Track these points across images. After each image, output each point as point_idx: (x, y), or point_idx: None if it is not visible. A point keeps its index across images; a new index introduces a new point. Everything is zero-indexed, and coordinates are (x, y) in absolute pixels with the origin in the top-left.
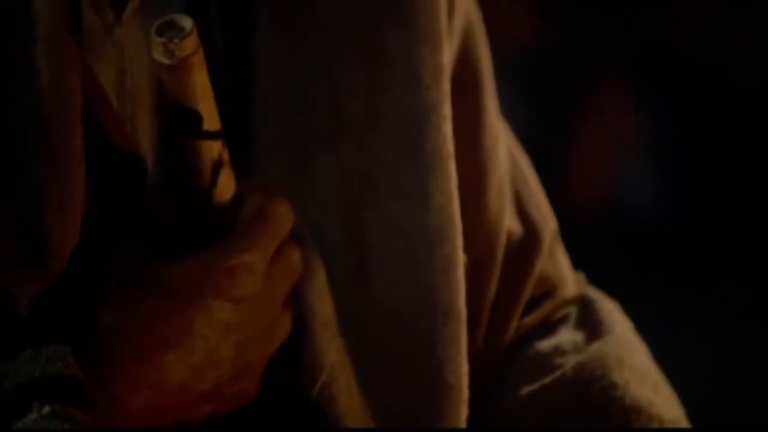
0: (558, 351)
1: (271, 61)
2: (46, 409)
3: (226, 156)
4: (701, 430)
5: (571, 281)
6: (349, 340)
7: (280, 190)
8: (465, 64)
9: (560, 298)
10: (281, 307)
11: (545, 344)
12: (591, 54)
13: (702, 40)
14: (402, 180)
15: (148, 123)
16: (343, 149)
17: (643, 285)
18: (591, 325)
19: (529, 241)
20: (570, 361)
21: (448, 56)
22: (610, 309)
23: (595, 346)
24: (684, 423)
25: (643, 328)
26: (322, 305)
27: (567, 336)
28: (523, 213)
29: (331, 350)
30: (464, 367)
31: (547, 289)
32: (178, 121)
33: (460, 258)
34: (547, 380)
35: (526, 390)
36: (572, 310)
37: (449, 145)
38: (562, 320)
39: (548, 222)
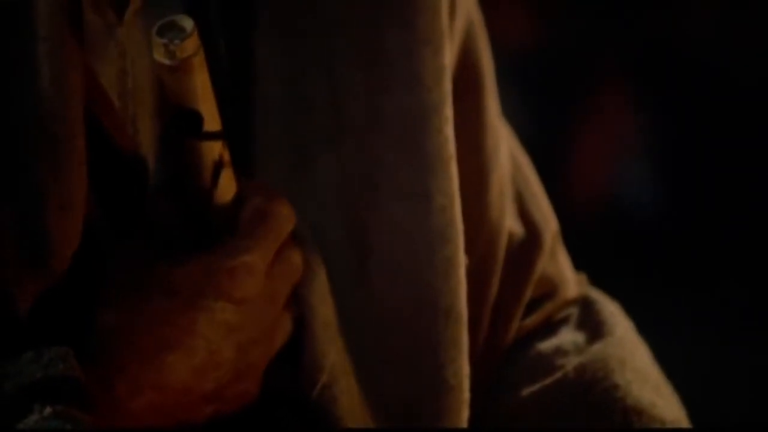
0: (559, 352)
1: (271, 61)
2: (48, 410)
3: (226, 157)
4: (701, 430)
5: (572, 282)
6: (350, 341)
7: (280, 190)
8: (466, 64)
9: (561, 299)
10: (282, 308)
11: (546, 345)
12: (591, 54)
13: (702, 40)
14: (402, 180)
15: (150, 124)
16: (343, 149)
17: (643, 285)
18: (592, 326)
19: (530, 242)
20: (571, 362)
21: (449, 57)
22: (611, 310)
23: (597, 347)
24: (685, 425)
25: (643, 328)
26: (323, 306)
27: (568, 337)
28: (524, 214)
29: (332, 351)
30: (465, 368)
31: (549, 289)
32: (179, 122)
33: (462, 260)
34: (548, 381)
35: (527, 391)
36: (574, 311)
37: (451, 148)
38: (564, 321)
39: (549, 223)
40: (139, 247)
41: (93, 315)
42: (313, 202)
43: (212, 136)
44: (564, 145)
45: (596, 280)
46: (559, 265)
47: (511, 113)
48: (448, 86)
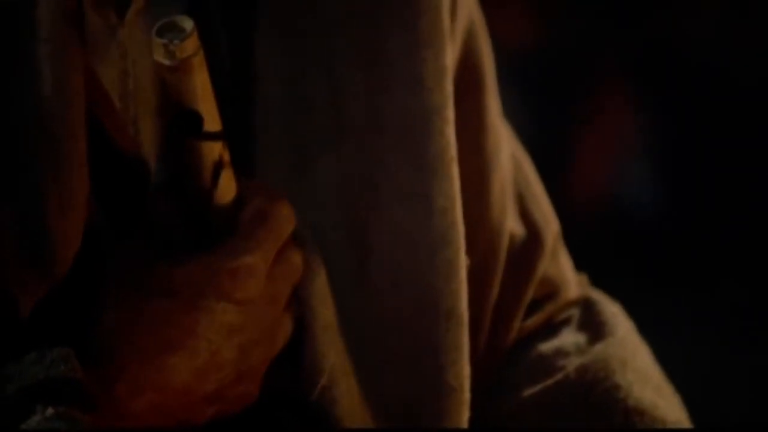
0: (560, 353)
1: (272, 61)
2: (50, 411)
3: (227, 157)
4: (701, 430)
5: (573, 283)
6: (350, 342)
7: (280, 190)
8: (467, 65)
9: (563, 300)
10: (283, 309)
11: (548, 346)
12: (591, 54)
13: (702, 40)
14: (402, 181)
15: (151, 124)
16: (343, 149)
17: (643, 285)
18: (594, 326)
19: (531, 243)
20: (573, 363)
21: (450, 58)
22: (613, 311)
23: (598, 347)
24: (687, 426)
25: (643, 328)
26: (323, 308)
27: (569, 338)
28: (525, 215)
29: (332, 352)
30: (466, 370)
31: (550, 290)
32: (180, 122)
33: (463, 261)
34: (549, 382)
35: (528, 391)
36: (575, 312)
37: (452, 149)
38: (565, 322)
39: (550, 224)
40: (140, 247)
41: (94, 315)
42: (314, 202)
43: (212, 136)
44: (564, 145)
45: (596, 280)
46: (560, 265)
47: (511, 113)
48: (449, 87)
